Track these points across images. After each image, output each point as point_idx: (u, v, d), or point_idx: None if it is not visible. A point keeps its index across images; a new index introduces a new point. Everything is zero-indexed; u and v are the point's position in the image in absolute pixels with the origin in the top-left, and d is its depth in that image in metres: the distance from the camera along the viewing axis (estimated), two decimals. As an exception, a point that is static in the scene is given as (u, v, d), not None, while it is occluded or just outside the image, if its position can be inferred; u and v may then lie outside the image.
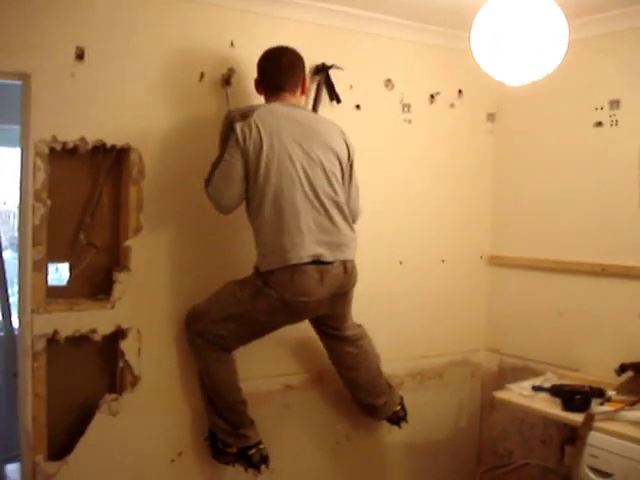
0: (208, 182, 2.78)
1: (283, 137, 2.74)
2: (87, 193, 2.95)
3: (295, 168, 2.74)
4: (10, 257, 4.84)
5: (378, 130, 3.61)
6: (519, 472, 3.68)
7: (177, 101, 3.03)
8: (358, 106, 3.50)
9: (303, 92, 2.98)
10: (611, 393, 3.03)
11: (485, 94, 3.96)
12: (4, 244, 4.66)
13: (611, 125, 3.42)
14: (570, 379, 3.32)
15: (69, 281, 2.96)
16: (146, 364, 3.00)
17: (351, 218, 2.94)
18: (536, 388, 3.19)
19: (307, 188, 2.75)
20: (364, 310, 3.27)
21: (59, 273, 3.12)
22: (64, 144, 2.78)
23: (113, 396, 2.95)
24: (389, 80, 3.62)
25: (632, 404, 2.89)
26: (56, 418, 2.85)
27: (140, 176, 2.95)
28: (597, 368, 3.35)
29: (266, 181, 2.72)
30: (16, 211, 3.33)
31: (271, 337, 3.00)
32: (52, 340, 2.79)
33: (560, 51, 2.70)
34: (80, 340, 2.87)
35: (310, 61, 3.15)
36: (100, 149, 2.89)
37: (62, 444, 2.88)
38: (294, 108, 2.87)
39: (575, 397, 2.95)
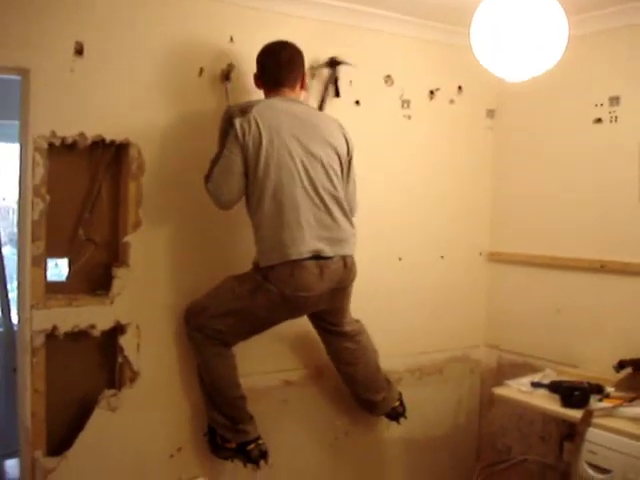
0: (208, 178, 2.78)
1: (282, 132, 2.74)
2: (86, 188, 2.95)
3: (295, 163, 2.74)
4: (9, 253, 4.84)
5: (378, 126, 3.61)
6: (518, 468, 3.68)
7: (176, 96, 3.03)
8: (357, 102, 3.49)
9: (302, 87, 2.97)
10: (610, 389, 3.03)
11: (485, 90, 3.95)
12: (3, 240, 4.66)
13: (611, 121, 3.42)
14: (569, 375, 3.31)
15: (68, 277, 2.96)
16: (145, 359, 3.00)
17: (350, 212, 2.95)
18: (535, 384, 3.19)
19: (307, 183, 2.75)
20: (363, 306, 3.27)
21: (58, 269, 3.12)
22: (63, 139, 2.77)
23: (112, 392, 2.95)
24: (389, 76, 3.61)
25: (631, 400, 2.89)
26: (55, 414, 2.85)
27: (139, 171, 2.94)
28: (596, 364, 3.35)
29: (266, 176, 2.72)
30: (15, 207, 3.32)
31: (270, 333, 3.00)
32: (51, 336, 2.79)
33: (560, 47, 2.69)
34: (79, 336, 2.87)
35: (310, 57, 3.14)
36: (99, 144, 2.89)
37: (61, 439, 2.88)
38: (293, 103, 2.87)
39: (574, 393, 2.95)
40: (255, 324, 2.93)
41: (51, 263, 2.95)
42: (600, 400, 2.94)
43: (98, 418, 2.90)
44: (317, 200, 2.77)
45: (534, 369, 3.58)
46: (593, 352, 3.43)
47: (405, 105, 3.71)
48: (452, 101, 3.89)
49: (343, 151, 2.91)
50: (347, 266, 2.87)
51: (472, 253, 4.07)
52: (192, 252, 3.10)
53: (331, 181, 2.82)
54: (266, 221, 2.75)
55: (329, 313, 3.06)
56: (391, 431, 3.71)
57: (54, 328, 2.78)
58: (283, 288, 2.74)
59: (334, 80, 3.36)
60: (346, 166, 2.96)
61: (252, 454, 2.99)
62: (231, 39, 3.12)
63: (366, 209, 3.31)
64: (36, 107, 2.72)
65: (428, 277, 3.88)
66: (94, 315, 2.88)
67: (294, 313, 2.96)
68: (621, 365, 3.11)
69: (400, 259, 3.76)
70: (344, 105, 3.40)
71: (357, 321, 3.23)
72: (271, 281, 2.75)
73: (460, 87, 3.90)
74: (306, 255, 2.72)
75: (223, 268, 3.01)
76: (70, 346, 2.89)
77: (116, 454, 2.95)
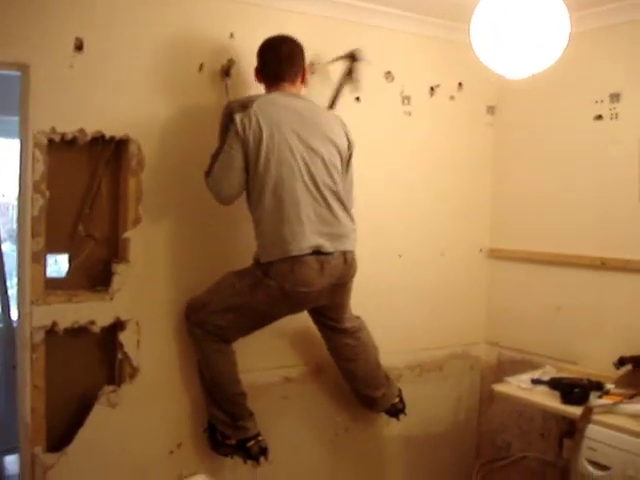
0: (208, 173, 2.78)
1: (283, 128, 2.74)
2: (86, 184, 2.95)
3: (295, 159, 2.73)
4: (9, 249, 4.84)
5: (378, 122, 3.60)
6: (517, 465, 3.68)
7: (176, 92, 3.02)
8: (358, 98, 3.49)
9: (303, 82, 2.97)
10: (610, 386, 3.03)
11: (485, 87, 3.95)
12: (3, 236, 4.67)
13: (611, 118, 3.41)
14: (569, 372, 3.32)
15: (68, 273, 2.96)
16: (145, 356, 3.00)
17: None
18: (535, 381, 3.19)
19: (307, 179, 2.75)
20: (363, 303, 3.27)
21: (58, 265, 3.12)
22: (63, 135, 2.77)
23: (112, 388, 2.95)
24: (389, 72, 3.61)
25: (631, 397, 2.89)
26: (55, 410, 2.85)
27: (139, 167, 2.94)
28: (596, 361, 3.35)
29: (266, 171, 2.72)
30: (15, 203, 3.32)
31: (270, 329, 3.00)
32: (51, 332, 2.79)
33: (560, 44, 2.68)
34: (79, 332, 2.87)
35: (310, 53, 3.13)
36: (99, 140, 2.89)
37: (61, 436, 2.88)
38: (294, 98, 2.86)
39: (574, 390, 2.95)
40: (255, 320, 2.93)
41: (51, 259, 2.95)
42: (600, 397, 2.94)
43: (98, 414, 2.90)
44: (317, 195, 2.77)
45: (534, 366, 3.58)
46: (593, 349, 3.43)
47: (405, 101, 3.71)
48: (452, 97, 3.89)
49: (343, 147, 2.91)
50: (347, 262, 2.87)
51: (472, 250, 4.07)
52: (192, 248, 3.10)
53: (331, 177, 2.82)
54: (266, 216, 2.75)
55: (329, 309, 3.06)
56: (391, 427, 3.71)
57: (54, 324, 2.78)
58: (283, 283, 2.74)
59: (351, 74, 3.34)
60: (345, 162, 2.95)
61: (252, 450, 3.00)
62: (231, 35, 3.11)
63: (366, 206, 3.31)
64: (36, 103, 2.72)
65: (428, 274, 3.88)
66: (94, 311, 2.88)
67: (294, 308, 2.96)
68: (621, 362, 3.11)
69: (400, 256, 3.76)
70: (344, 101, 3.38)
71: (357, 317, 3.23)
72: (271, 276, 2.75)
73: (460, 84, 3.90)
74: (306, 251, 2.72)
75: (223, 264, 3.01)
76: (70, 342, 2.88)
77: (116, 450, 2.95)
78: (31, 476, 2.80)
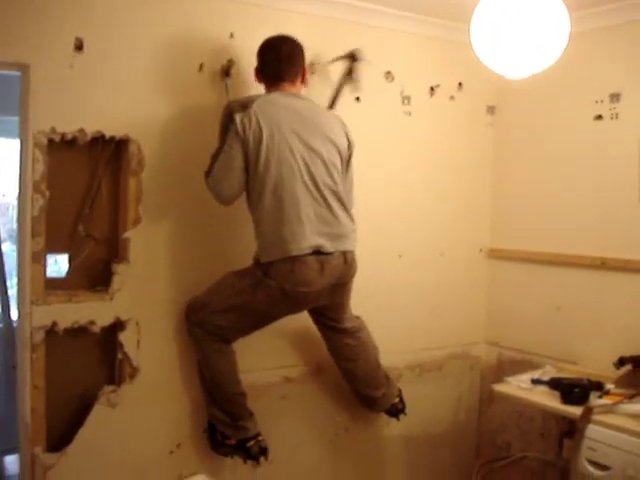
0: (208, 173, 2.78)
1: (283, 128, 2.74)
2: (86, 184, 2.95)
3: (295, 159, 2.73)
4: (9, 249, 4.84)
5: (378, 122, 3.60)
6: (517, 465, 3.68)
7: (176, 92, 3.02)
8: (358, 98, 3.49)
9: (303, 82, 2.97)
10: (610, 386, 3.03)
11: (485, 87, 3.95)
12: (3, 236, 4.67)
13: (611, 118, 3.41)
14: (569, 372, 3.32)
15: (68, 273, 2.96)
16: (145, 356, 3.00)
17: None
18: (535, 381, 3.19)
19: (307, 179, 2.75)
20: (363, 302, 3.27)
21: (58, 265, 3.12)
22: (63, 135, 2.77)
23: (112, 388, 2.95)
24: (389, 72, 3.61)
25: (631, 397, 2.89)
26: (55, 410, 2.85)
27: (139, 167, 2.94)
28: (596, 361, 3.35)
29: (266, 171, 2.72)
30: (15, 203, 3.32)
31: (270, 329, 3.00)
32: (51, 332, 2.79)
33: (560, 44, 2.68)
34: (79, 332, 2.87)
35: (310, 53, 3.13)
36: (99, 140, 2.89)
37: (61, 436, 2.88)
38: (294, 98, 2.86)
39: (574, 390, 2.95)
40: (256, 320, 2.92)
41: (51, 259, 2.95)
42: (600, 397, 2.94)
43: (98, 414, 2.90)
44: (317, 195, 2.77)
45: (534, 366, 3.57)
46: (593, 349, 3.43)
47: (405, 101, 3.71)
48: (452, 98, 3.89)
49: (343, 147, 2.91)
50: (347, 262, 2.87)
51: (472, 250, 4.07)
52: (192, 248, 3.10)
53: (331, 176, 2.82)
54: (267, 216, 2.75)
55: (329, 309, 3.06)
56: (391, 427, 3.71)
57: (54, 324, 2.78)
58: (283, 283, 2.74)
59: (351, 74, 3.33)
60: (345, 162, 2.95)
61: (252, 451, 3.00)
62: (231, 35, 3.11)
63: (366, 206, 3.31)
64: (36, 103, 2.72)
65: (428, 274, 3.88)
66: (94, 311, 2.88)
67: (294, 308, 2.96)
68: (621, 362, 3.11)
69: (400, 256, 3.76)
70: (344, 101, 3.38)
71: (357, 317, 3.23)
72: (271, 276, 2.75)
73: (460, 84, 3.90)
74: (307, 251, 2.72)
75: (223, 264, 3.01)
76: (70, 342, 2.88)
77: (116, 450, 2.95)
78: (31, 476, 2.80)
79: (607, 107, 3.42)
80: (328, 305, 3.02)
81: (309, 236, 2.73)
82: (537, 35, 2.62)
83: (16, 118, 2.84)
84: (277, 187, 2.72)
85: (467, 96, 3.94)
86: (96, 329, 2.89)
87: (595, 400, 2.91)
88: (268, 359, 3.33)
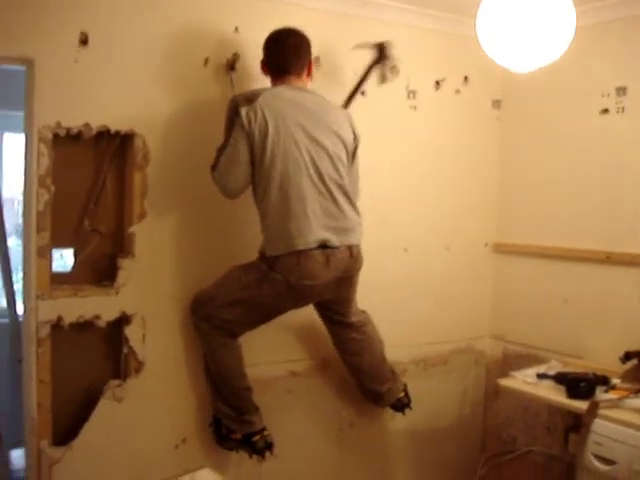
0: (214, 167, 2.78)
1: (288, 121, 2.73)
2: (91, 179, 2.95)
3: (301, 152, 2.73)
4: (15, 244, 4.85)
5: (384, 116, 3.59)
6: (523, 459, 3.67)
7: (181, 86, 3.02)
8: (363, 92, 3.47)
9: (309, 75, 2.96)
10: (616, 381, 3.03)
11: (491, 81, 3.94)
12: (9, 230, 4.66)
13: (617, 112, 3.40)
14: (575, 367, 3.31)
15: (73, 267, 2.96)
16: (150, 350, 3.00)
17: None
18: (540, 375, 3.19)
19: (313, 172, 2.74)
20: (369, 296, 3.27)
21: (63, 259, 3.12)
22: (68, 130, 2.77)
23: (117, 382, 2.95)
24: (394, 66, 3.59)
25: (637, 392, 2.89)
26: (61, 404, 2.86)
27: (144, 162, 2.94)
28: (602, 356, 3.35)
29: (272, 165, 2.71)
30: (20, 197, 3.32)
31: (276, 323, 3.00)
32: (56, 326, 2.79)
33: (567, 38, 2.67)
34: (84, 326, 2.88)
35: (315, 47, 3.12)
36: (104, 135, 2.88)
37: (67, 430, 2.89)
38: (300, 92, 2.85)
39: (580, 385, 2.95)
40: (262, 313, 2.92)
41: (56, 254, 2.95)
42: (606, 391, 2.94)
43: (103, 408, 2.91)
44: (323, 189, 2.76)
45: (539, 360, 3.57)
46: (599, 343, 3.43)
47: (411, 95, 3.70)
48: (458, 91, 3.88)
49: (349, 140, 2.90)
50: (353, 255, 2.87)
51: (478, 244, 4.07)
52: (198, 242, 3.10)
53: (337, 170, 2.81)
54: (272, 210, 2.74)
55: (335, 303, 3.06)
56: (396, 422, 3.71)
57: (59, 319, 2.79)
58: (289, 277, 2.74)
59: (381, 66, 3.29)
60: (351, 155, 2.94)
61: (257, 445, 3.00)
62: (236, 29, 3.11)
63: (372, 200, 3.30)
64: (41, 97, 2.72)
65: (434, 268, 3.88)
66: (99, 306, 2.88)
67: (300, 302, 2.96)
68: (627, 356, 3.11)
69: (405, 250, 3.76)
70: (346, 96, 3.38)
71: (363, 312, 3.23)
72: (277, 270, 2.75)
73: (466, 77, 3.89)
74: (313, 245, 2.72)
75: (229, 258, 3.01)
76: (75, 337, 2.89)
77: (121, 444, 2.96)
78: (37, 470, 2.81)
79: (613, 101, 3.41)
80: (334, 299, 3.02)
81: (315, 230, 2.72)
82: (543, 29, 2.61)
83: (21, 113, 2.84)
84: (283, 181, 2.71)
85: (473, 90, 3.92)
86: (102, 323, 2.89)
87: (601, 395, 2.91)
88: (274, 353, 3.33)
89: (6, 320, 4.41)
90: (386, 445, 3.78)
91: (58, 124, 2.74)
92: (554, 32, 2.63)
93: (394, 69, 3.29)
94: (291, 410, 3.40)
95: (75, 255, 2.96)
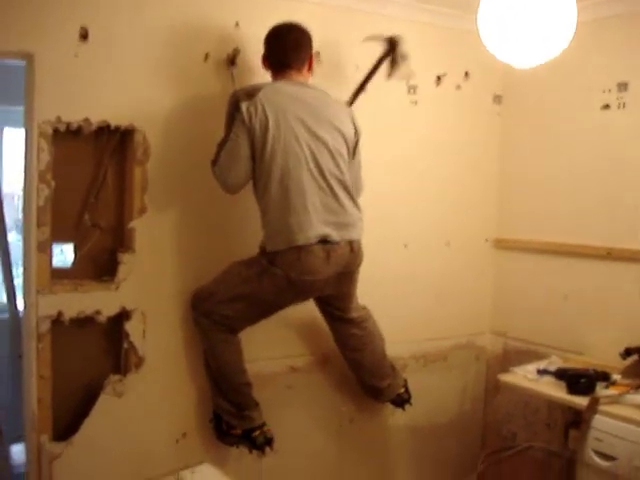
0: (214, 162, 2.78)
1: (289, 116, 2.73)
2: (91, 174, 2.95)
3: (301, 147, 2.73)
4: (15, 239, 4.85)
5: (384, 111, 3.59)
6: (523, 455, 3.67)
7: (182, 81, 3.01)
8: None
9: (310, 70, 2.95)
10: (616, 377, 3.03)
11: (492, 76, 3.93)
12: (9, 226, 4.66)
13: (619, 107, 3.40)
14: (575, 362, 3.32)
15: (74, 262, 2.96)
16: (151, 345, 3.00)
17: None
18: (541, 371, 3.19)
19: (313, 167, 2.74)
20: (369, 292, 3.27)
21: (64, 254, 3.12)
22: (68, 125, 2.77)
23: (118, 377, 2.95)
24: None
25: (637, 388, 2.89)
26: (61, 399, 2.86)
27: (144, 157, 2.94)
28: (602, 352, 3.35)
29: (272, 160, 2.71)
30: (20, 192, 3.32)
31: (276, 319, 3.00)
32: (57, 321, 2.79)
33: (568, 33, 2.67)
34: (85, 321, 2.88)
35: (316, 42, 3.11)
36: (104, 130, 2.88)
37: (67, 425, 2.89)
38: (300, 87, 2.85)
39: (580, 381, 2.95)
40: (262, 309, 2.92)
41: (56, 249, 2.95)
42: (606, 387, 2.94)
43: (104, 404, 2.91)
44: (324, 184, 2.76)
45: (540, 356, 3.57)
46: (599, 339, 3.43)
47: (412, 91, 3.69)
48: (459, 87, 3.87)
49: (350, 135, 2.90)
50: (354, 250, 2.87)
51: (478, 240, 4.06)
52: (198, 237, 3.10)
53: (338, 165, 2.80)
54: (273, 205, 2.74)
55: (336, 298, 3.06)
56: (396, 418, 3.71)
57: (60, 314, 2.79)
58: (289, 272, 2.74)
59: (390, 60, 3.26)
60: (352, 149, 2.94)
61: (257, 441, 3.00)
62: (237, 24, 3.10)
63: (372, 195, 3.29)
64: (41, 92, 2.71)
65: (434, 264, 3.88)
66: (99, 301, 2.88)
67: (300, 297, 2.96)
68: (627, 352, 3.10)
69: (406, 245, 3.76)
70: (351, 90, 3.36)
71: (364, 308, 3.23)
72: (277, 265, 2.74)
73: (467, 73, 3.88)
74: (313, 240, 2.71)
75: (230, 253, 3.01)
76: (76, 332, 2.89)
77: (122, 439, 2.96)
78: (37, 465, 2.81)
79: (614, 96, 3.41)
80: (334, 295, 3.02)
81: (316, 225, 2.72)
82: (544, 24, 2.61)
83: (21, 108, 2.83)
84: (283, 176, 2.71)
85: (474, 85, 3.92)
86: (102, 319, 2.89)
87: (601, 390, 2.91)
88: (274, 348, 3.33)
89: (6, 315, 4.41)
90: (386, 441, 3.78)
91: (58, 119, 2.73)
92: (555, 28, 2.63)
93: (405, 65, 3.26)
94: (291, 406, 3.40)
95: (75, 250, 2.96)
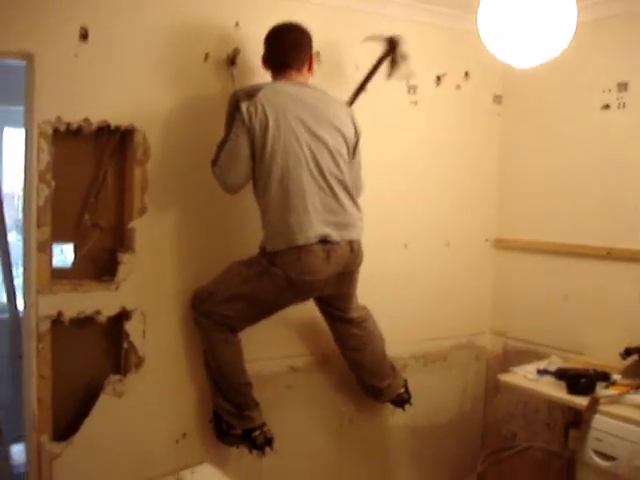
0: (214, 162, 2.78)
1: (289, 116, 2.73)
2: (91, 174, 2.95)
3: (301, 148, 2.72)
4: (15, 239, 4.85)
5: (384, 112, 3.59)
6: (523, 455, 3.68)
7: (182, 82, 3.01)
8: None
9: (310, 70, 2.95)
10: (616, 377, 3.02)
11: (492, 76, 3.93)
12: (9, 226, 4.66)
13: (619, 108, 3.40)
14: (575, 362, 3.32)
15: (74, 262, 2.96)
16: (151, 345, 3.00)
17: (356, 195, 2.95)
18: (541, 371, 3.19)
19: (313, 167, 2.74)
20: (369, 292, 3.26)
21: (64, 254, 3.12)
22: (68, 125, 2.77)
23: (118, 377, 2.95)
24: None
25: (637, 388, 2.89)
26: (61, 399, 2.86)
27: (144, 157, 2.94)
28: (602, 352, 3.35)
29: (272, 160, 2.71)
30: (21, 193, 3.33)
31: (276, 319, 3.00)
32: (57, 321, 2.79)
33: (568, 33, 2.67)
34: (85, 321, 2.88)
35: (316, 42, 3.11)
36: (104, 130, 2.88)
37: (67, 425, 2.89)
38: (300, 87, 2.85)
39: (580, 381, 2.95)
40: (262, 309, 2.92)
41: (56, 249, 2.95)
42: (606, 387, 2.94)
43: (104, 403, 2.91)
44: (324, 184, 2.76)
45: (540, 356, 3.57)
46: (599, 339, 3.43)
47: (411, 91, 3.69)
48: (459, 87, 3.87)
49: (350, 135, 2.89)
50: (354, 250, 2.87)
51: (478, 240, 4.06)
52: (198, 237, 3.10)
53: (338, 165, 2.80)
54: (273, 205, 2.74)
55: (336, 298, 3.06)
56: (396, 418, 3.71)
57: (60, 314, 2.79)
58: (289, 272, 2.74)
59: (390, 60, 3.25)
60: (352, 150, 2.93)
61: (257, 441, 3.00)
62: (237, 24, 3.10)
63: (372, 196, 3.29)
64: (41, 92, 2.71)
65: (434, 264, 3.88)
66: (99, 301, 2.88)
67: (300, 297, 2.96)
68: (627, 352, 3.10)
69: (406, 245, 3.76)
70: (351, 90, 3.36)
71: (364, 308, 3.23)
72: (277, 265, 2.74)
73: (467, 73, 3.88)
74: (313, 240, 2.71)
75: (229, 253, 3.01)
76: (76, 332, 2.89)
77: (122, 439, 2.96)
78: (37, 465, 2.81)
79: (615, 96, 3.41)
80: (334, 295, 3.02)
81: (316, 225, 2.72)
82: (544, 24, 2.61)
83: (21, 108, 2.83)
84: (283, 176, 2.71)
85: (474, 85, 3.92)
86: (102, 319, 2.89)
87: (601, 391, 2.91)
88: (274, 348, 3.33)
89: (6, 315, 4.41)
90: (386, 441, 3.78)
91: (58, 119, 2.73)
92: (555, 28, 2.63)
93: (405, 65, 3.26)
94: (291, 406, 3.40)
95: (75, 250, 2.96)
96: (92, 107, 2.80)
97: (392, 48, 3.22)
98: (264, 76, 2.95)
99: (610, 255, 3.40)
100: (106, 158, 2.95)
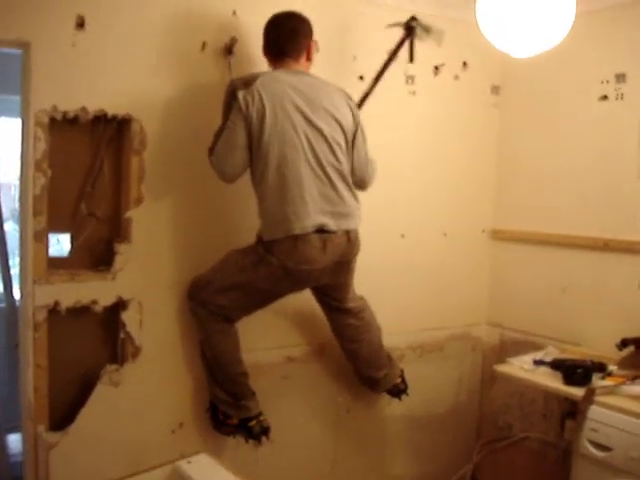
0: (211, 151, 2.78)
1: (286, 105, 2.72)
2: (88, 163, 2.93)
3: (298, 136, 2.72)
4: (11, 228, 4.83)
5: (382, 102, 3.56)
6: (519, 446, 3.69)
7: (179, 71, 3.00)
8: (361, 77, 3.46)
9: (309, 58, 2.93)
10: (612, 368, 3.03)
11: (490, 66, 3.93)
12: (5, 215, 4.65)
13: (616, 99, 3.39)
14: (571, 353, 3.32)
15: (70, 252, 2.95)
16: (147, 335, 3.00)
17: (360, 183, 2.96)
18: (537, 362, 3.19)
19: (311, 157, 2.73)
20: (366, 282, 3.26)
21: (60, 244, 3.11)
22: (65, 114, 2.75)
23: (114, 367, 2.95)
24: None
25: (633, 379, 2.90)
26: (57, 389, 2.85)
27: (141, 146, 2.92)
28: (599, 342, 3.36)
29: (269, 149, 2.70)
30: (17, 182, 3.32)
31: (273, 308, 3.01)
32: (53, 311, 2.78)
33: (567, 23, 2.67)
34: (81, 311, 2.87)
35: (314, 31, 3.10)
36: (101, 119, 2.86)
37: (63, 415, 2.89)
38: (298, 75, 2.83)
39: (576, 371, 2.95)
40: (259, 298, 2.92)
41: (53, 238, 2.93)
42: (602, 378, 2.95)
43: (100, 393, 2.91)
44: (321, 174, 2.75)
45: (536, 347, 3.57)
46: (596, 330, 3.43)
47: (409, 81, 3.68)
48: (457, 77, 3.86)
49: (348, 124, 2.88)
50: (351, 240, 2.86)
51: (475, 230, 4.06)
52: (195, 227, 3.09)
53: (335, 155, 2.79)
54: (270, 194, 2.73)
55: (333, 288, 3.06)
56: (392, 408, 3.72)
57: (56, 303, 2.78)
58: (286, 261, 2.73)
59: (410, 43, 3.24)
60: (351, 138, 2.92)
61: (254, 430, 3.00)
62: (234, 13, 3.08)
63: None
64: (37, 81, 2.69)
65: (430, 254, 3.88)
66: (96, 290, 2.87)
67: (296, 286, 2.96)
68: (624, 343, 3.11)
69: (403, 236, 3.75)
70: (348, 81, 3.36)
71: (361, 298, 3.23)
72: (274, 254, 2.74)
73: (465, 63, 3.87)
74: (310, 229, 2.71)
75: (227, 243, 3.01)
76: (72, 321, 2.88)
77: (118, 429, 2.96)
78: (34, 455, 2.81)
79: (613, 87, 3.40)
80: (331, 284, 3.02)
81: (313, 215, 2.71)
82: (543, 14, 2.61)
83: (17, 97, 2.82)
84: (280, 165, 2.70)
85: (472, 76, 3.91)
86: (98, 308, 2.89)
87: (597, 381, 2.92)
88: (270, 338, 3.33)
89: (3, 305, 4.40)
90: (382, 431, 3.79)
91: (55, 108, 2.72)
92: (554, 17, 2.62)
93: (433, 34, 3.23)
94: (288, 396, 3.40)
95: (72, 240, 2.95)
96: (89, 96, 2.79)
97: (409, 32, 3.20)
98: (262, 65, 2.94)
99: (607, 246, 3.41)
100: (103, 147, 2.94)
